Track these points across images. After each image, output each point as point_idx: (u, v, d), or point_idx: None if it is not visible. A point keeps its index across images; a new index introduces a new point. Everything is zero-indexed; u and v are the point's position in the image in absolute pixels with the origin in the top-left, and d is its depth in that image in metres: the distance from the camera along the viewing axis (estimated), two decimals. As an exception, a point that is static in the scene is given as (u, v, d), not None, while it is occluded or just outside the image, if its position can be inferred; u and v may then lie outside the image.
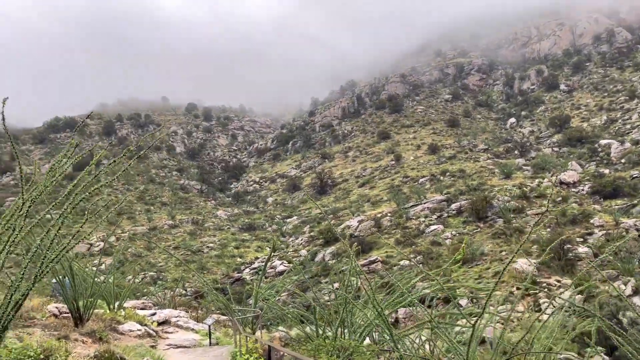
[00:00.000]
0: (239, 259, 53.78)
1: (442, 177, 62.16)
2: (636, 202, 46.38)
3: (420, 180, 63.45)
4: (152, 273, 49.32)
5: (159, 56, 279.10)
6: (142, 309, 15.65)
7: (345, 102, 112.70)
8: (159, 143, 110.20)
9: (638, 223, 40.75)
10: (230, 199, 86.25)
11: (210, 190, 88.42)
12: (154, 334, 10.14)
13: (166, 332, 11.18)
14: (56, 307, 9.24)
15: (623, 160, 57.10)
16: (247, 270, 49.98)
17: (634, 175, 51.50)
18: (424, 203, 52.34)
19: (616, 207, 46.09)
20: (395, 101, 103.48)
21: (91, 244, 57.80)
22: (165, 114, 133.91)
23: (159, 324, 11.78)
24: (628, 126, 68.60)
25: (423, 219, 48.35)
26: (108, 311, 10.76)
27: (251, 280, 45.58)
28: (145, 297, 25.53)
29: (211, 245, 58.08)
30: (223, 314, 21.92)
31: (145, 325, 10.32)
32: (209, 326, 11.34)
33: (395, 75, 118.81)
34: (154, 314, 12.55)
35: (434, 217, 48.48)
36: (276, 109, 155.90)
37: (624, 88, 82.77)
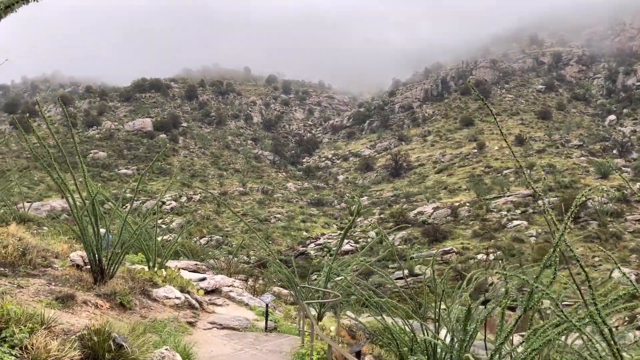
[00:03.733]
0: (304, 233, 52.59)
1: (529, 171, 57.47)
2: None
3: (504, 171, 59.08)
4: (218, 237, 49.18)
5: (242, 26, 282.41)
6: (194, 271, 14.01)
7: (428, 84, 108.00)
8: (237, 111, 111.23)
9: None
10: (301, 173, 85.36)
11: (283, 162, 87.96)
12: (197, 305, 8.20)
13: (213, 304, 9.28)
14: (81, 256, 7.60)
15: None
16: (312, 245, 48.66)
17: None
18: (507, 196, 48.44)
19: None
20: (483, 87, 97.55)
21: (163, 202, 58.76)
22: (246, 84, 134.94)
23: (207, 292, 9.89)
24: None
25: (505, 213, 44.65)
26: (147, 269, 9.04)
27: (315, 255, 44.21)
28: (202, 258, 24.52)
29: (279, 216, 57.30)
30: (284, 287, 20.31)
31: (188, 292, 8.48)
32: (267, 305, 9.23)
33: (485, 60, 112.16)
34: (203, 279, 10.70)
35: (518, 212, 44.61)
36: (355, 88, 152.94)
37: None
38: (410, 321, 7.49)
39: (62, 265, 7.28)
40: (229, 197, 63.09)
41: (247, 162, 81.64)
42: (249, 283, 15.21)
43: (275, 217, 56.78)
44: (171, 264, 11.59)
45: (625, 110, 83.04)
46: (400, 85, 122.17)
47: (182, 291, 8.11)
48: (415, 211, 50.43)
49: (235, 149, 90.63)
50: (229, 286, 11.04)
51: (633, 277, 29.95)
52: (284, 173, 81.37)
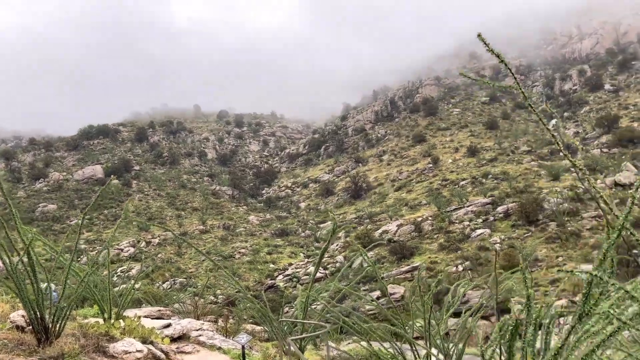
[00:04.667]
0: (271, 265, 51.53)
1: (484, 180, 58.69)
2: None
3: (461, 183, 60.11)
4: (181, 279, 47.49)
5: (187, 66, 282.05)
6: (157, 318, 13.03)
7: (378, 105, 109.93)
8: (190, 149, 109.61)
9: None
10: (262, 204, 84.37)
11: (242, 195, 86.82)
12: (162, 356, 7.33)
13: (182, 352, 8.39)
14: (23, 316, 6.70)
15: (684, 160, 52.60)
16: (281, 277, 47.65)
17: (699, 176, 47.08)
18: (467, 206, 49.12)
19: (682, 209, 41.97)
20: (430, 104, 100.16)
21: (121, 249, 56.57)
22: (197, 121, 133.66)
23: (173, 339, 8.98)
24: (685, 124, 63.78)
25: (468, 223, 45.15)
26: (102, 322, 8.13)
27: (285, 287, 43.24)
28: (166, 304, 23.34)
29: (243, 250, 56.06)
30: (257, 324, 19.45)
31: (152, 342, 7.62)
32: (243, 347, 8.50)
33: (430, 78, 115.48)
34: (167, 326, 9.78)
35: (479, 220, 45.22)
36: (307, 115, 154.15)
37: (677, 85, 77.63)
38: (397, 344, 7.03)
39: (1, 328, 6.40)
40: (190, 236, 61.40)
41: (205, 199, 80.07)
42: (219, 324, 14.37)
43: (239, 252, 55.51)
44: (131, 312, 10.70)
45: (566, 114, 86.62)
46: (351, 109, 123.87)
47: (144, 342, 7.27)
48: (379, 230, 50.37)
49: (192, 187, 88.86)
50: (197, 330, 10.19)
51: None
52: (244, 207, 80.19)
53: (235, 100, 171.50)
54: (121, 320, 8.31)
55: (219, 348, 9.68)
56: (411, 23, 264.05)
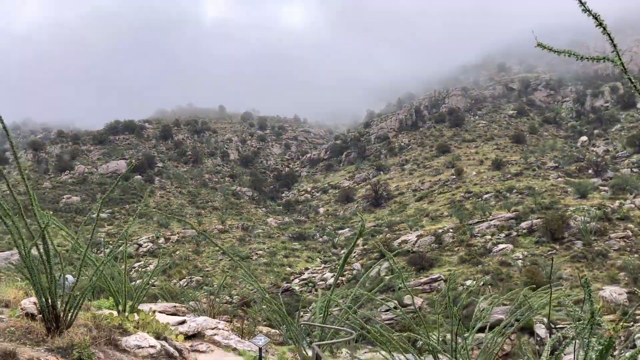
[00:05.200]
0: (288, 269, 51.24)
1: (508, 194, 57.54)
2: None
3: (485, 196, 59.05)
4: (197, 277, 47.50)
5: (213, 66, 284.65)
6: (172, 314, 12.74)
7: (402, 114, 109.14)
8: (213, 149, 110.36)
9: None
10: (281, 207, 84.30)
11: (262, 197, 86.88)
12: (176, 353, 6.93)
13: (196, 351, 8.05)
14: (34, 304, 6.40)
15: None
16: (297, 280, 47.30)
17: None
18: (490, 220, 48.12)
19: None
20: (456, 114, 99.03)
21: (140, 245, 56.95)
22: (221, 122, 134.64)
23: (188, 337, 8.65)
24: None
25: (489, 237, 44.18)
26: (116, 315, 7.87)
27: (300, 291, 42.87)
28: (182, 300, 23.18)
29: (260, 252, 55.89)
30: (271, 326, 19.15)
31: (165, 338, 7.28)
32: (260, 348, 8.07)
33: (456, 88, 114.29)
34: (182, 323, 9.45)
35: (502, 235, 44.20)
36: (330, 121, 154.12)
37: None
38: (421, 357, 6.61)
39: (11, 315, 6.16)
40: (209, 235, 61.53)
41: (226, 199, 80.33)
42: (234, 324, 14.06)
43: (256, 253, 55.37)
44: (146, 307, 10.43)
45: (596, 131, 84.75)
46: (374, 117, 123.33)
47: (158, 338, 6.97)
48: (399, 240, 49.66)
49: (213, 186, 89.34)
50: (212, 329, 9.87)
51: (625, 296, 29.52)
52: (263, 208, 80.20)
53: (259, 102, 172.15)
54: (135, 314, 8.04)
55: (234, 349, 9.32)
56: (438, 32, 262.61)
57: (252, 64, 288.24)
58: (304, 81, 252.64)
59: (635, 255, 36.65)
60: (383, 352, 7.63)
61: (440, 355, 7.48)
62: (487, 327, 11.09)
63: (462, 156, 79.82)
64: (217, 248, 55.04)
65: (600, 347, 2.59)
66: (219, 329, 10.07)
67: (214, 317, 14.13)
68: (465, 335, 8.47)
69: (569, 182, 59.95)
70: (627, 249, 38.61)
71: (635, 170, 64.98)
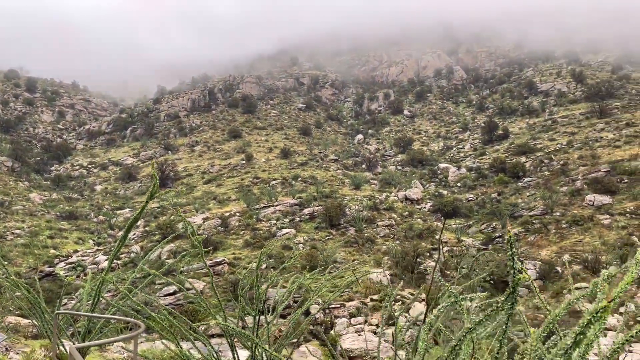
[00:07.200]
0: (52, 251, 45.02)
1: (294, 182, 60.13)
2: (471, 222, 49.06)
3: (272, 182, 60.68)
4: None
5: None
6: None
7: (196, 94, 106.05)
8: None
9: (476, 242, 42.76)
10: (49, 182, 74.18)
11: (25, 169, 75.16)
12: None
13: None
14: None
15: (459, 184, 60.85)
16: (62, 264, 41.83)
17: (469, 198, 54.82)
18: (276, 205, 49.51)
19: (454, 225, 48.18)
20: (250, 101, 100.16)
21: None
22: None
23: None
24: (462, 154, 74.14)
25: (274, 222, 45.38)
26: None
27: (66, 276, 37.98)
28: None
29: (18, 232, 48.04)
30: (24, 316, 16.08)
31: None
32: None
33: (251, 76, 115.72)
34: None
35: (286, 220, 45.82)
36: (116, 92, 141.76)
37: (458, 120, 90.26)
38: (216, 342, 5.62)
39: None
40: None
41: (-25, 168, 67.38)
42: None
43: (13, 233, 47.44)
44: None
45: (370, 131, 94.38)
46: (166, 93, 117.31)
47: None
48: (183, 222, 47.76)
49: (-41, 152, 74.14)
50: None
51: (388, 277, 32.96)
52: (26, 182, 69.47)
53: (30, 62, 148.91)
54: None
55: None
56: (236, 19, 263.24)
57: (25, 17, 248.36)
58: (89, 47, 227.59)
59: (397, 242, 41.50)
60: (165, 341, 6.43)
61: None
62: (270, 309, 10.70)
63: (253, 143, 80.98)
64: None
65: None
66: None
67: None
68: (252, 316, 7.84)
69: (346, 175, 65.42)
70: (390, 236, 43.56)
71: (399, 167, 74.20)
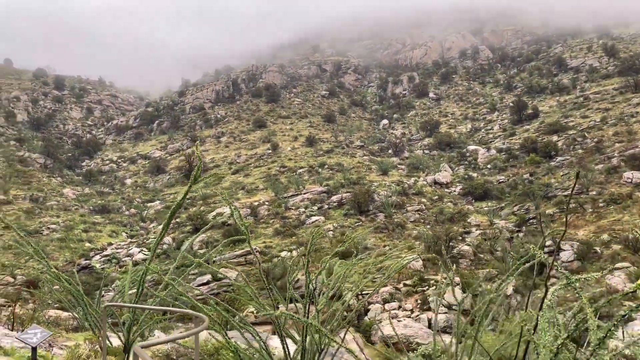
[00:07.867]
0: (87, 244, 45.95)
1: (320, 169, 59.90)
2: (504, 205, 48.11)
3: (299, 170, 60.59)
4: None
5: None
6: None
7: (219, 85, 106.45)
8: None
9: (509, 225, 41.90)
10: (80, 177, 75.67)
11: (57, 165, 76.81)
12: None
13: None
14: None
15: (489, 166, 59.71)
16: (98, 257, 42.65)
17: (500, 180, 53.76)
18: (304, 193, 49.43)
19: (486, 208, 47.33)
20: (273, 90, 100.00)
21: None
22: (6, 77, 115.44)
23: None
24: (490, 135, 72.67)
25: (303, 210, 45.32)
26: None
27: (102, 268, 38.71)
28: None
29: (53, 226, 49.14)
30: (64, 309, 16.33)
31: None
32: (34, 348, 5.86)
33: (274, 65, 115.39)
34: None
35: (315, 208, 45.71)
36: (141, 87, 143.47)
37: (486, 101, 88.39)
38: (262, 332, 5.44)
39: None
40: (-14, 207, 52.12)
41: (10, 165, 68.97)
42: (10, 311, 11.21)
43: (48, 227, 48.55)
44: None
45: (395, 115, 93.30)
46: (190, 86, 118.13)
47: None
48: (213, 213, 48.12)
49: (-7, 151, 76.06)
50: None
51: (420, 262, 32.56)
52: (59, 178, 70.97)
53: (58, 61, 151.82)
54: None
55: (-1, 347, 6.90)
56: (255, 9, 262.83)
57: (50, 17, 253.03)
58: (114, 44, 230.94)
59: (428, 226, 40.98)
60: (215, 333, 6.27)
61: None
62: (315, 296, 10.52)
63: (278, 132, 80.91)
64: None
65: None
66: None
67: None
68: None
69: (373, 160, 64.85)
70: (421, 221, 43.04)
71: (426, 151, 73.22)
